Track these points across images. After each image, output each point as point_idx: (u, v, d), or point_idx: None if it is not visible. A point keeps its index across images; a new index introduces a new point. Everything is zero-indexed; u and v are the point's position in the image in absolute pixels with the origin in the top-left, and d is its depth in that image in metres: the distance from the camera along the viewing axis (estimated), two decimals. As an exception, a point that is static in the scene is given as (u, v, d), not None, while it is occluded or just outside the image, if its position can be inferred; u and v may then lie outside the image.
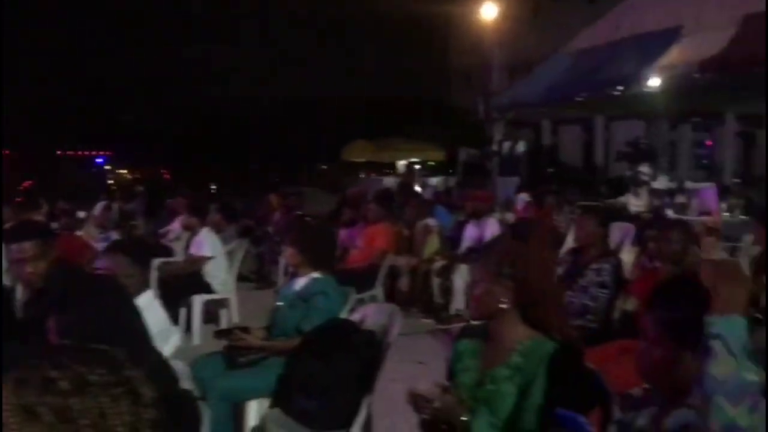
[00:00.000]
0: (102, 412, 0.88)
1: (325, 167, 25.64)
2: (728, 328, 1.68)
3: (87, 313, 2.13)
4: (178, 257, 7.68)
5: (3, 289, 3.22)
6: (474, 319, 2.38)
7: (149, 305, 3.09)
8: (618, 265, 4.58)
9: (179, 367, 2.64)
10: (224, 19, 23.95)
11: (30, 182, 16.94)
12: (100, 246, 6.35)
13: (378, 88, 24.54)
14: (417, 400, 2.20)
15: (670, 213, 10.17)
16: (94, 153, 26.97)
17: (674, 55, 10.55)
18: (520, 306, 2.27)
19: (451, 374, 2.43)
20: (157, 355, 2.27)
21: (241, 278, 9.45)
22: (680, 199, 10.99)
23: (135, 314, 2.24)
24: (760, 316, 4.54)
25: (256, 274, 9.81)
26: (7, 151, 24.04)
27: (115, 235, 7.87)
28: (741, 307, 1.73)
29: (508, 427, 2.22)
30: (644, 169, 11.15)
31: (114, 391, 0.90)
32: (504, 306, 2.26)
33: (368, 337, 3.37)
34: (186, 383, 2.53)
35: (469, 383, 2.34)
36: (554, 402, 2.10)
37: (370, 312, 3.78)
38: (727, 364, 1.65)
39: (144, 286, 3.15)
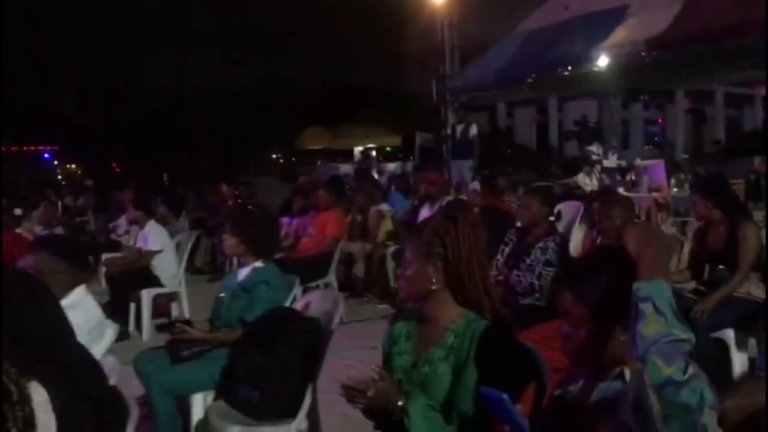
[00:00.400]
0: None
1: (278, 156, 25.41)
2: (655, 291, 1.70)
3: (7, 312, 2.05)
4: (128, 251, 7.56)
5: None
6: (405, 301, 2.36)
7: (81, 301, 3.00)
8: (563, 243, 4.62)
9: (110, 363, 2.56)
10: (171, 8, 23.44)
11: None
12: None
13: (331, 74, 24.36)
14: (349, 391, 2.16)
15: (621, 191, 10.31)
16: (41, 148, 26.34)
17: (621, 34, 10.67)
18: (451, 286, 2.25)
19: (387, 358, 2.40)
20: (81, 353, 2.19)
21: (195, 270, 9.36)
22: (630, 176, 11.17)
23: (56, 313, 2.16)
24: (702, 288, 4.64)
25: (209, 266, 9.70)
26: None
27: (60, 232, 7.70)
28: (665, 268, 1.77)
29: (444, 408, 2.21)
30: (593, 148, 11.29)
31: None
32: (434, 287, 2.24)
33: (310, 324, 3.32)
34: (117, 380, 2.46)
35: (405, 366, 2.32)
36: (487, 380, 2.09)
37: (314, 299, 3.74)
38: (656, 323, 1.68)
39: (75, 282, 3.04)
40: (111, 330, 3.04)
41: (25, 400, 0.91)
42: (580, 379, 1.92)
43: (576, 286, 1.85)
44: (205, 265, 9.70)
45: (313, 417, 3.33)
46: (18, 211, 7.07)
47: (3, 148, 24.64)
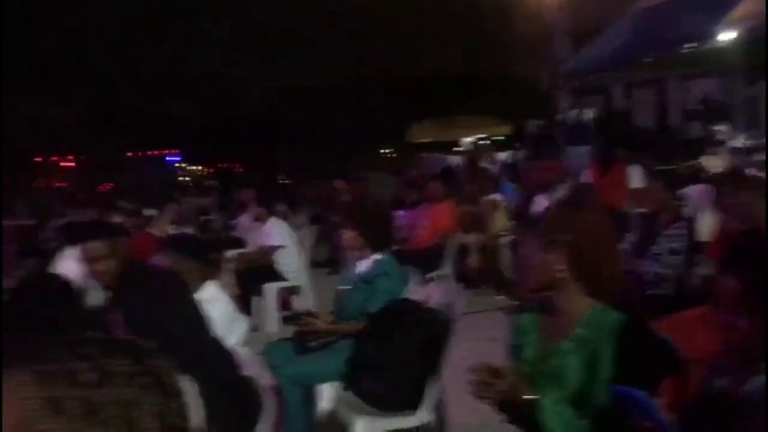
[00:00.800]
0: (126, 403, 0.88)
1: (390, 150, 25.58)
2: None
3: (151, 307, 2.19)
4: (251, 248, 7.84)
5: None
6: (531, 292, 2.29)
7: (214, 297, 3.14)
8: (691, 230, 4.40)
9: (245, 354, 2.67)
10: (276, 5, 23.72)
11: (110, 185, 17.67)
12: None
13: (436, 64, 24.10)
14: (477, 385, 2.13)
15: (750, 172, 9.72)
16: (165, 152, 27.74)
17: (744, 7, 10.03)
18: (580, 275, 2.17)
19: (514, 350, 2.36)
20: (218, 345, 2.30)
21: (317, 265, 9.59)
22: (759, 156, 10.48)
23: (192, 307, 2.29)
24: None
25: (329, 260, 9.91)
26: (81, 156, 25.17)
27: (189, 231, 8.06)
28: None
29: (575, 401, 2.15)
30: (719, 128, 10.68)
31: (138, 382, 0.90)
32: (561, 275, 2.17)
33: (428, 315, 3.33)
34: (250, 370, 2.57)
35: (532, 358, 2.27)
36: (624, 374, 2.01)
37: (434, 291, 3.75)
38: None
39: (204, 278, 3.19)
40: (243, 323, 3.17)
41: (179, 392, 0.96)
42: (727, 373, 1.83)
43: (742, 271, 1.76)
44: (325, 260, 9.93)
45: (440, 409, 3.34)
46: (149, 212, 7.47)
47: (130, 154, 26.20)
